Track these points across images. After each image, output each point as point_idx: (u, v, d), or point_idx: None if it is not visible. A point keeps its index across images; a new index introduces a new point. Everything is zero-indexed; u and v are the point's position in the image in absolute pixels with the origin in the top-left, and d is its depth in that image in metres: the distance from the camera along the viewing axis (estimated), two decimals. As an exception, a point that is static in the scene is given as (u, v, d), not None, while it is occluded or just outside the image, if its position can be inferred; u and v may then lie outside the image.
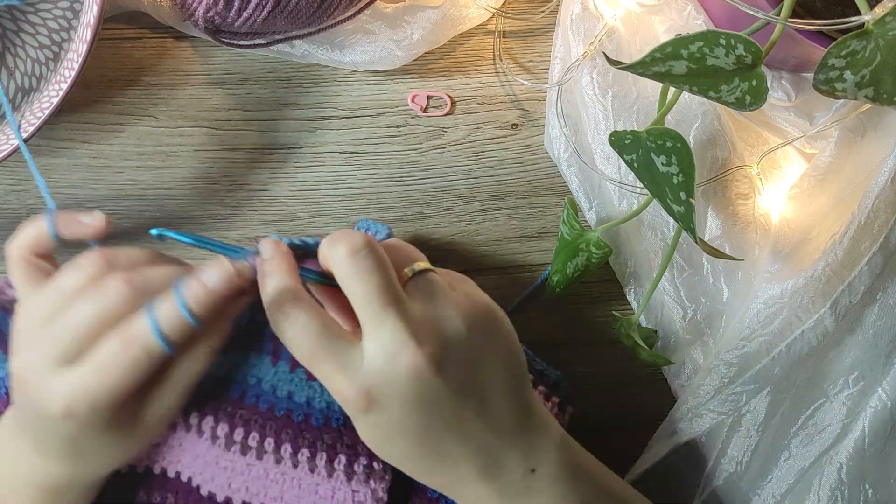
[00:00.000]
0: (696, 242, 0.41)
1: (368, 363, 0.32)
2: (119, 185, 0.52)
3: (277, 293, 0.33)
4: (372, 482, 0.39)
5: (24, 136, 0.44)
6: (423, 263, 0.36)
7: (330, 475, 0.39)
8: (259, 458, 0.39)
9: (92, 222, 0.35)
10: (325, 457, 0.39)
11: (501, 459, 0.35)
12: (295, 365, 0.39)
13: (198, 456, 0.40)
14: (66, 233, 0.35)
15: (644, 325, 0.52)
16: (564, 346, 0.53)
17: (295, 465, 0.39)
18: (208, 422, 0.40)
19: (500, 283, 0.53)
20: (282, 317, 0.33)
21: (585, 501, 0.37)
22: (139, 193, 0.52)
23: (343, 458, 0.39)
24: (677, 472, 0.47)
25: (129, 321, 0.32)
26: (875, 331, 0.41)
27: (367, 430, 0.34)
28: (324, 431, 0.39)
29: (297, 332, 0.33)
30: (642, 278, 0.52)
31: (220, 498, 0.40)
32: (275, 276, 0.33)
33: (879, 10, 0.34)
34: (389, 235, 0.43)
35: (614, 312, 0.52)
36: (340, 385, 0.32)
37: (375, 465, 0.39)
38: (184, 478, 0.40)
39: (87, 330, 0.32)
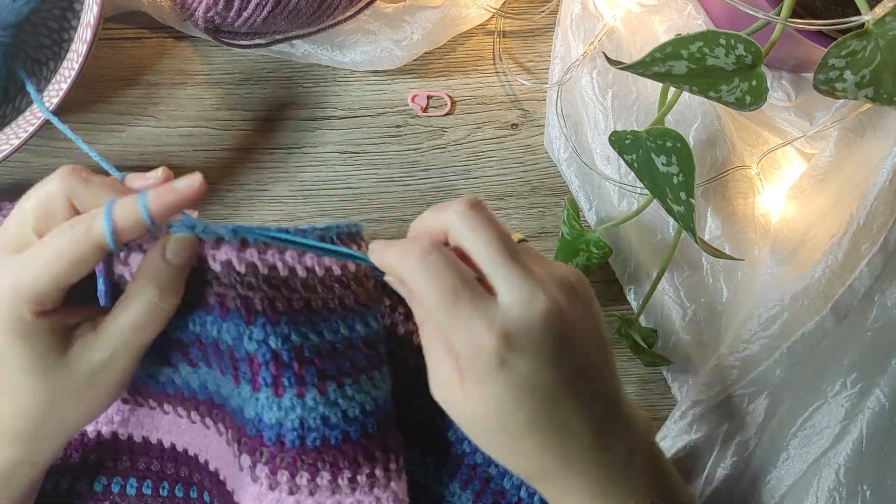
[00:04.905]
0: (696, 242, 0.41)
1: (505, 310, 0.31)
2: (119, 185, 0.52)
3: (415, 243, 0.32)
4: (393, 484, 0.38)
5: (24, 135, 0.44)
6: (518, 234, 0.36)
7: (353, 489, 0.38)
8: (271, 489, 0.37)
9: (191, 184, 0.33)
10: (346, 474, 0.37)
11: (611, 432, 0.33)
12: (258, 387, 0.36)
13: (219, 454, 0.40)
14: (159, 210, 0.32)
15: (644, 325, 0.52)
16: (564, 346, 0.53)
17: (312, 493, 0.36)
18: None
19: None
20: (421, 260, 0.31)
21: (672, 490, 0.35)
22: (139, 193, 0.52)
23: (366, 469, 0.37)
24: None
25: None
26: (873, 332, 0.41)
27: (493, 394, 0.31)
28: (323, 451, 0.36)
29: (436, 272, 0.31)
30: (642, 278, 0.51)
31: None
32: (396, 244, 0.33)
33: (879, 10, 0.34)
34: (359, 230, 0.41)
35: (614, 312, 0.52)
36: (481, 327, 0.31)
37: (392, 465, 0.38)
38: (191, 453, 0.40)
39: (27, 214, 0.32)
